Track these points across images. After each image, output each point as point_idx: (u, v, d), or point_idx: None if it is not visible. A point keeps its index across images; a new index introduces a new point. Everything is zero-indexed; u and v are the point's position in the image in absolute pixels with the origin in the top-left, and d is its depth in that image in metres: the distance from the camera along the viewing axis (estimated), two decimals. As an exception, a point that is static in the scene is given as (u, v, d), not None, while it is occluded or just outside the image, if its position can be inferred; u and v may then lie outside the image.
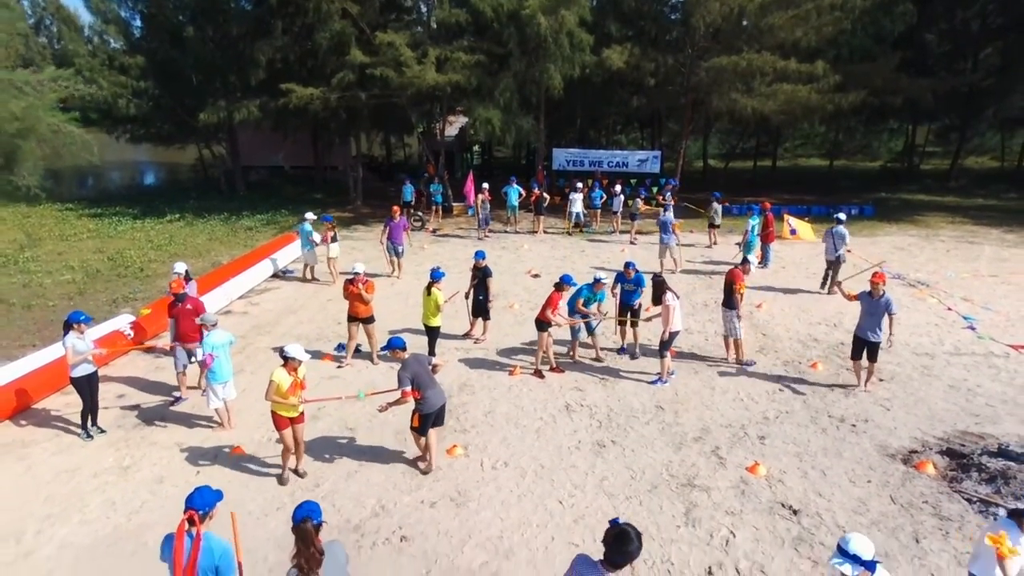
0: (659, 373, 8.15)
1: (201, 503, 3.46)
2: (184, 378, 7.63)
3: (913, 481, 5.94)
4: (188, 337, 7.44)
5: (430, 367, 5.99)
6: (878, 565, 3.07)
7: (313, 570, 3.29)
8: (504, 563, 4.93)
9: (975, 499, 5.59)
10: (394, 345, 5.95)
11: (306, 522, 3.33)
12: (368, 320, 8.60)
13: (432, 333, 8.55)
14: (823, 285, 12.22)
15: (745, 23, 19.41)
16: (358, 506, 5.65)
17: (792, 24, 18.50)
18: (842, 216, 12.14)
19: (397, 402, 5.81)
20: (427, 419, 5.94)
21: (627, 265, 8.99)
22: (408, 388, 5.70)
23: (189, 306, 7.53)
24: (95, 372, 6.86)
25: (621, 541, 2.99)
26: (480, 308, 9.45)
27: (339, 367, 8.68)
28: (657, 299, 7.96)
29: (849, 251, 12.19)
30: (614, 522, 3.08)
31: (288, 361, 5.67)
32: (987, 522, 5.10)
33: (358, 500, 5.73)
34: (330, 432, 6.95)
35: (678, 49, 20.80)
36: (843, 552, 3.06)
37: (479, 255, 9.42)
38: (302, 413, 5.99)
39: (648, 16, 21.89)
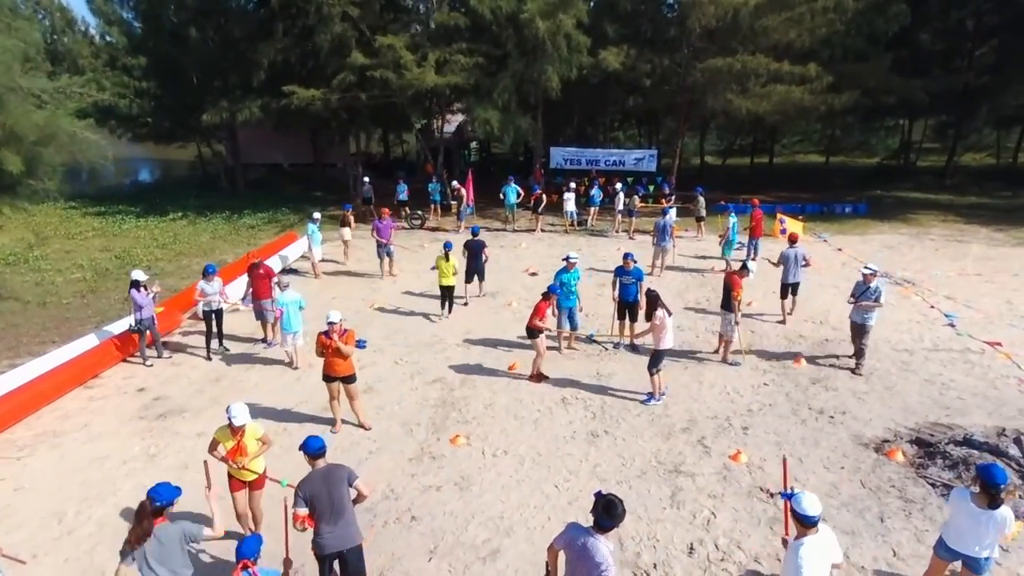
0: (650, 392, 7.89)
1: (249, 551, 3.88)
2: (268, 326, 9.72)
3: (883, 467, 6.41)
4: (261, 295, 9.68)
5: (349, 488, 4.37)
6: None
7: (135, 545, 3.72)
8: (505, 540, 5.40)
9: (938, 483, 6.06)
10: (306, 450, 4.42)
11: (147, 501, 3.83)
12: (349, 379, 6.98)
13: (447, 291, 10.68)
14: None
15: (740, 25, 19.76)
16: (370, 490, 6.08)
17: (786, 26, 18.87)
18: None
19: (295, 520, 4.26)
20: (321, 562, 4.41)
21: (626, 256, 9.39)
22: (301, 511, 4.23)
23: (261, 271, 9.71)
24: (220, 309, 9.36)
25: (609, 508, 3.50)
26: (475, 270, 11.51)
27: (332, 432, 7.16)
28: (648, 315, 7.62)
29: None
30: (599, 494, 3.56)
31: (229, 422, 4.92)
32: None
33: (369, 485, 6.15)
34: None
35: (674, 50, 21.14)
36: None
37: (474, 229, 11.49)
38: (261, 477, 5.19)
39: (644, 17, 22.24)
